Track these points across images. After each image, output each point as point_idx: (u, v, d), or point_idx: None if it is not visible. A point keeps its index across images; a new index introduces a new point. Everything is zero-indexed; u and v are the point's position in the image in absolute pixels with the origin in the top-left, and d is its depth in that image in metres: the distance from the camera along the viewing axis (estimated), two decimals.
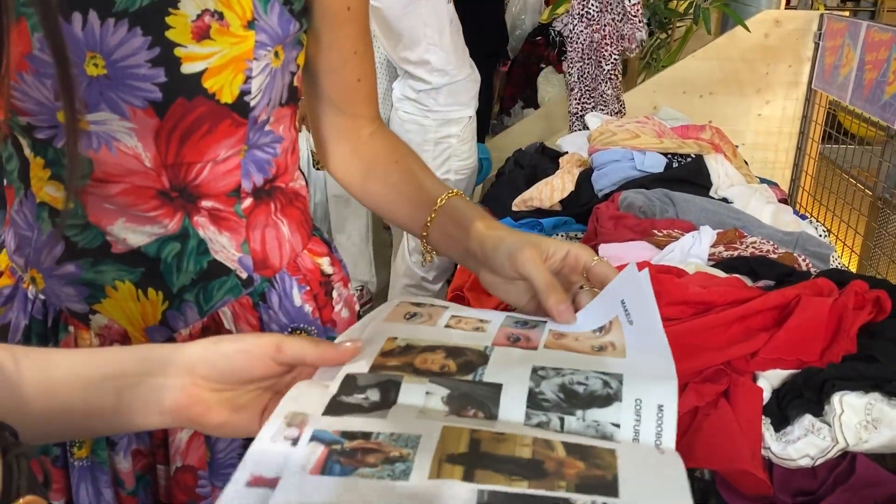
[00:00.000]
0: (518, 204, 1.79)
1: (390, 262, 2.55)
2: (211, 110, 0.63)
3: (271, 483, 0.41)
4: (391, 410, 0.46)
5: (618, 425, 0.44)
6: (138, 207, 0.67)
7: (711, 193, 1.69)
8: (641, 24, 2.14)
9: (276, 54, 0.66)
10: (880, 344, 1.07)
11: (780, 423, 1.02)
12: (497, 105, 3.41)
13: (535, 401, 0.46)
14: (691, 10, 2.49)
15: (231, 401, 0.50)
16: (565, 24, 2.26)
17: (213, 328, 0.73)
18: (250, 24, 0.63)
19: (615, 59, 2.19)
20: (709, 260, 1.36)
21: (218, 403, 0.49)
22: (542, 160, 2.05)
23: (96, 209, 0.67)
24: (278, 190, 0.74)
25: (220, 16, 0.61)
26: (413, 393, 0.47)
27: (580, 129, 2.31)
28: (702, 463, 1.00)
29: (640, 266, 0.58)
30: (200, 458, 0.74)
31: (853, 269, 1.98)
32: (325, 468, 0.40)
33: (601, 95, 2.25)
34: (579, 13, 2.21)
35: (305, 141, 2.24)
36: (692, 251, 1.36)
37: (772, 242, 1.39)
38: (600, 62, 2.21)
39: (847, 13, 2.36)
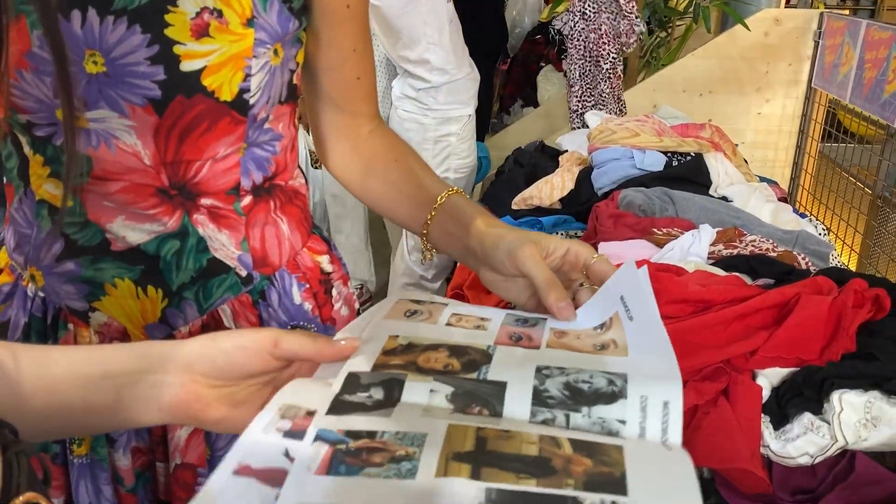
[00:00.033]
0: (518, 202, 1.80)
1: (389, 260, 2.55)
2: (210, 108, 0.63)
3: (257, 473, 0.41)
4: (395, 409, 0.45)
5: (623, 422, 0.44)
6: (138, 205, 0.67)
7: (711, 192, 1.69)
8: (638, 19, 2.14)
9: (276, 52, 0.66)
10: (880, 342, 1.07)
11: (780, 422, 1.03)
12: (497, 104, 3.41)
13: (540, 398, 0.46)
14: (691, 9, 2.49)
15: (230, 396, 0.50)
16: (565, 23, 2.26)
17: (213, 326, 0.73)
18: (249, 22, 0.63)
19: (613, 57, 2.19)
20: (708, 258, 1.36)
21: (217, 399, 0.49)
22: (542, 158, 2.05)
23: (96, 207, 0.67)
24: (278, 188, 0.74)
25: (220, 13, 0.61)
26: (417, 391, 0.47)
27: (580, 127, 2.31)
28: (701, 461, 1.00)
29: (639, 264, 0.58)
30: (200, 456, 0.74)
31: (853, 267, 1.98)
32: (330, 468, 0.40)
33: (601, 94, 2.25)
34: (580, 10, 2.21)
35: (303, 140, 2.24)
36: (692, 250, 1.36)
37: (771, 241, 1.39)
38: (598, 61, 2.21)
39: (847, 12, 2.36)
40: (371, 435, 0.42)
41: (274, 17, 0.64)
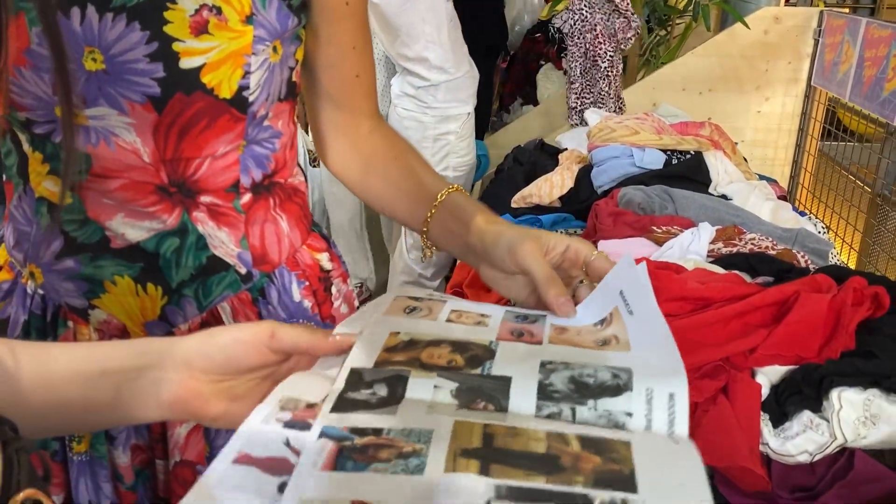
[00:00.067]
0: (517, 200, 1.80)
1: (388, 259, 2.55)
2: (209, 105, 0.63)
3: (257, 462, 0.41)
4: (400, 406, 0.45)
5: (630, 414, 0.44)
6: (137, 202, 0.67)
7: (710, 190, 1.69)
8: (634, 15, 2.14)
9: (275, 49, 0.66)
10: (879, 340, 1.07)
11: (779, 420, 1.03)
12: (496, 102, 3.41)
13: (545, 392, 0.46)
14: (691, 7, 2.49)
15: (229, 391, 0.50)
16: (565, 21, 2.26)
17: (213, 323, 0.73)
18: (248, 19, 0.63)
19: (611, 56, 2.19)
20: (708, 256, 1.36)
21: (216, 395, 0.49)
22: (542, 157, 2.05)
23: (95, 204, 0.67)
24: (277, 185, 0.74)
25: (219, 10, 0.61)
26: (421, 387, 0.47)
27: (578, 124, 2.31)
28: None
29: (639, 262, 0.58)
30: (199, 453, 0.74)
31: (852, 265, 1.98)
32: (337, 464, 0.40)
33: (599, 92, 2.25)
34: (579, 9, 2.21)
35: (302, 139, 2.24)
36: (691, 248, 1.36)
37: (771, 239, 1.39)
38: (596, 60, 2.21)
39: (847, 10, 2.36)
40: (377, 432, 0.42)
41: (273, 14, 0.64)
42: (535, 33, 3.24)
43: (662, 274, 1.17)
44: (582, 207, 1.69)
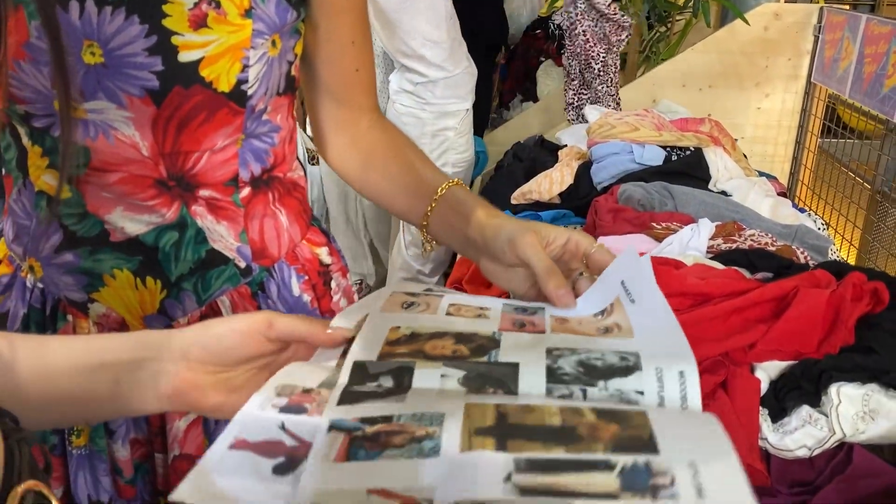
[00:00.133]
0: (517, 197, 1.79)
1: (387, 256, 2.55)
2: (208, 99, 0.63)
3: (253, 447, 0.41)
4: (408, 394, 0.45)
5: (641, 392, 0.44)
6: (136, 196, 0.67)
7: (710, 186, 1.69)
8: (625, 18, 2.14)
9: (274, 43, 0.66)
10: (878, 335, 1.07)
11: (778, 415, 1.03)
12: (496, 99, 3.40)
13: (555, 375, 0.45)
14: (690, 4, 2.48)
15: (227, 382, 0.50)
16: (564, 18, 2.26)
17: (212, 317, 0.72)
18: (247, 13, 0.63)
19: (603, 58, 2.20)
20: (707, 252, 1.36)
21: (214, 386, 0.49)
22: (541, 153, 2.05)
23: (94, 198, 0.67)
24: (276, 180, 0.74)
25: (217, 4, 0.61)
26: (428, 377, 0.46)
27: (575, 120, 2.31)
28: None
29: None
30: (199, 447, 0.74)
31: (852, 262, 1.98)
32: (349, 455, 0.39)
33: (595, 91, 2.25)
34: (567, 11, 2.22)
35: (301, 137, 2.24)
36: (691, 244, 1.36)
37: (770, 235, 1.39)
38: (589, 63, 2.22)
39: (847, 6, 2.36)
40: (387, 419, 0.41)
41: (272, 7, 0.64)
42: (535, 30, 3.23)
43: (662, 270, 1.17)
44: (581, 204, 1.68)
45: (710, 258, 1.31)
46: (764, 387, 1.05)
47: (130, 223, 0.68)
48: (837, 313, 1.08)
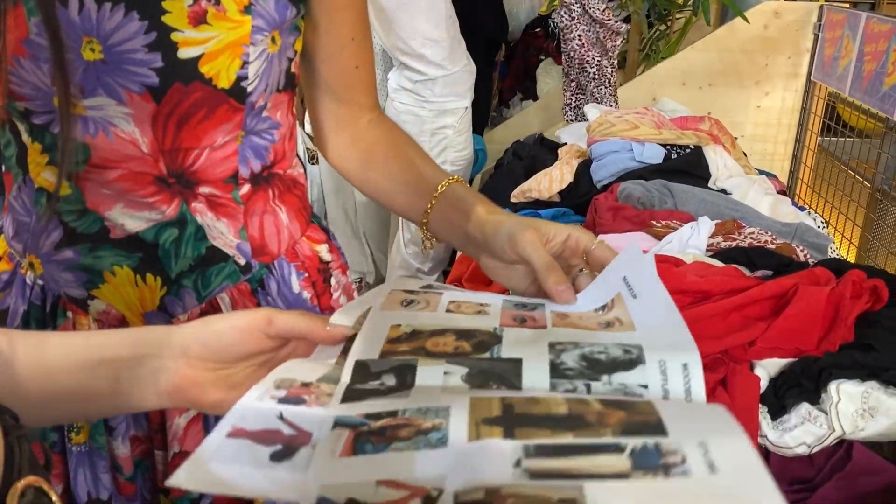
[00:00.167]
0: (517, 195, 1.79)
1: (387, 254, 2.55)
2: (208, 95, 0.63)
3: (251, 435, 0.41)
4: (412, 391, 0.44)
5: (645, 386, 0.44)
6: (136, 193, 0.67)
7: (710, 185, 1.69)
8: (619, 23, 2.15)
9: (273, 39, 0.66)
10: (877, 333, 1.07)
11: (777, 412, 1.03)
12: (496, 97, 3.40)
13: (558, 371, 0.45)
14: (690, 2, 2.48)
15: (227, 379, 0.50)
16: (562, 18, 2.26)
17: (212, 314, 0.73)
18: (247, 9, 0.63)
19: (598, 61, 2.20)
20: (707, 250, 1.36)
21: (214, 383, 0.49)
22: (541, 151, 2.05)
23: (94, 195, 0.67)
24: (276, 176, 0.74)
25: (217, 1, 0.61)
26: (431, 374, 0.46)
27: (573, 120, 2.31)
28: None
29: None
30: (199, 444, 0.74)
31: (851, 260, 1.98)
32: (356, 450, 0.39)
33: (591, 95, 2.25)
34: (560, 14, 2.22)
35: (300, 136, 2.23)
36: (690, 242, 1.36)
37: (770, 233, 1.39)
38: (584, 67, 2.22)
39: (846, 4, 2.35)
40: (392, 414, 0.41)
41: (272, 4, 0.64)
42: (535, 28, 3.23)
43: (661, 267, 1.17)
44: (581, 202, 1.68)
45: (710, 256, 1.31)
46: (763, 384, 1.05)
47: (130, 220, 0.68)
48: (837, 311, 1.08)
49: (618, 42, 2.19)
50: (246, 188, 0.71)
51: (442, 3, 2.09)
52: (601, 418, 0.38)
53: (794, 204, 1.74)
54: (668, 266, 1.19)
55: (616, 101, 2.26)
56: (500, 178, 2.02)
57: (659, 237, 1.40)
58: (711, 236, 1.38)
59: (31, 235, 0.70)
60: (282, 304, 0.75)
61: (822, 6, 2.24)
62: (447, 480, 0.36)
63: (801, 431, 0.99)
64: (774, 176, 1.96)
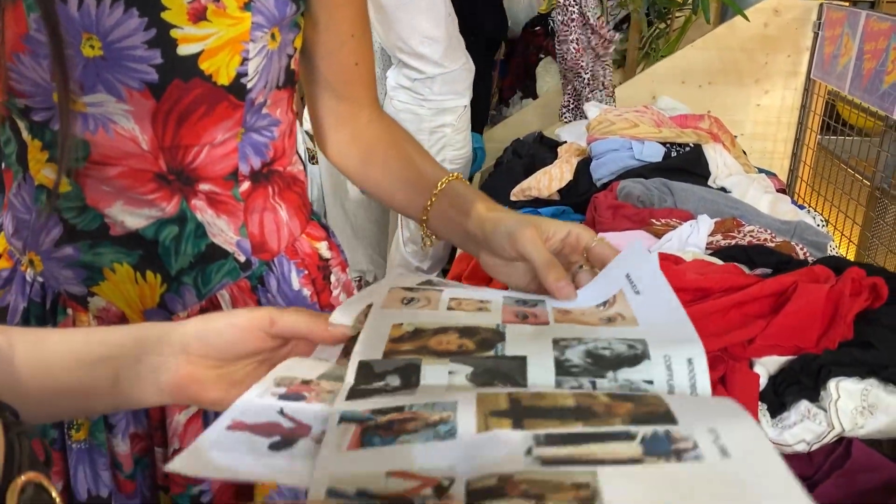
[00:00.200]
0: (516, 193, 1.79)
1: (386, 253, 2.55)
2: (207, 92, 0.63)
3: (251, 427, 0.41)
4: (417, 390, 0.44)
5: (650, 381, 0.43)
6: (136, 190, 0.67)
7: (710, 183, 1.69)
8: (611, 33, 2.15)
9: (273, 36, 0.66)
10: (877, 330, 1.07)
11: (777, 409, 1.03)
12: (496, 95, 3.40)
13: (563, 368, 0.45)
14: (690, 0, 2.48)
15: (227, 377, 0.50)
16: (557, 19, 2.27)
17: (212, 311, 0.73)
18: (247, 6, 0.63)
19: (591, 67, 2.21)
20: (706, 248, 1.36)
21: (214, 380, 0.49)
22: (541, 150, 2.05)
23: (94, 192, 0.67)
24: (276, 174, 0.74)
25: None
26: (436, 373, 0.45)
27: (571, 120, 2.31)
28: None
29: None
30: None
31: (851, 259, 1.98)
32: (363, 443, 0.38)
33: (587, 99, 2.26)
34: (554, 19, 2.23)
35: (300, 136, 2.23)
36: (690, 240, 1.37)
37: (769, 231, 1.39)
38: (578, 73, 2.23)
39: (846, 2, 2.35)
40: (398, 409, 0.41)
41: (271, 0, 0.64)
42: (535, 26, 3.23)
43: (661, 265, 1.16)
44: (581, 200, 1.68)
45: (710, 254, 1.31)
46: (763, 382, 1.05)
47: (130, 217, 0.68)
48: (836, 308, 1.08)
49: (610, 50, 2.20)
50: (246, 185, 0.71)
51: (441, 1, 2.09)
52: (609, 409, 0.39)
53: (794, 202, 1.74)
54: (667, 264, 1.19)
55: (613, 104, 2.26)
56: (499, 177, 2.02)
57: (658, 235, 1.40)
58: (711, 234, 1.38)
59: (31, 232, 0.70)
60: (281, 302, 0.75)
61: (821, 4, 2.24)
62: (458, 469, 0.36)
63: (800, 429, 0.99)
64: (774, 174, 1.96)
